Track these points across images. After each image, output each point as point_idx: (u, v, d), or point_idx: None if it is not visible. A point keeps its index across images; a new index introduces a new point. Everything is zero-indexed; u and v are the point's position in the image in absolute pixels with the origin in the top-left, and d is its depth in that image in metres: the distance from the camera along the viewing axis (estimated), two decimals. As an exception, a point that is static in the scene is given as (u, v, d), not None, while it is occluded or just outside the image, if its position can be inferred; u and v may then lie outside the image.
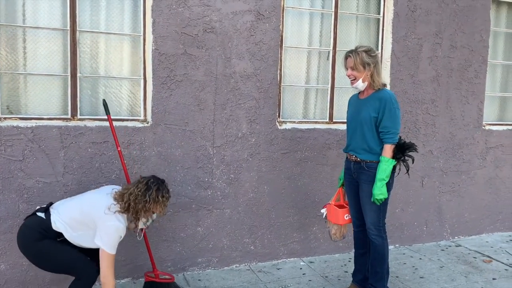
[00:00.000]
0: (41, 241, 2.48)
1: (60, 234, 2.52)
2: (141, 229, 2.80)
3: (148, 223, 2.77)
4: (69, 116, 3.34)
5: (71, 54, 3.31)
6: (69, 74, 3.33)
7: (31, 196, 3.18)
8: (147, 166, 3.46)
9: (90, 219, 2.51)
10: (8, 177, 3.13)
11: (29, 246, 2.50)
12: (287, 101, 4.06)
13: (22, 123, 3.15)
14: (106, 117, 3.40)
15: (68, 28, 3.29)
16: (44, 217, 2.52)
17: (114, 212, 2.51)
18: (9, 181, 3.13)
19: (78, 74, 3.35)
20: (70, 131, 3.24)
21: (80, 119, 3.34)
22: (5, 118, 3.15)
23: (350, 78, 3.03)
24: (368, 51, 2.96)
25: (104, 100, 3.12)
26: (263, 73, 3.76)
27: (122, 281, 3.48)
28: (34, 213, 2.58)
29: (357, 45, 3.05)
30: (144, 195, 2.53)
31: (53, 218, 2.51)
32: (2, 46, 3.18)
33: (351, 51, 2.99)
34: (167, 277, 3.17)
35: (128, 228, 2.60)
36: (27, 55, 3.26)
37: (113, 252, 2.50)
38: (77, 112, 3.35)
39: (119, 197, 2.56)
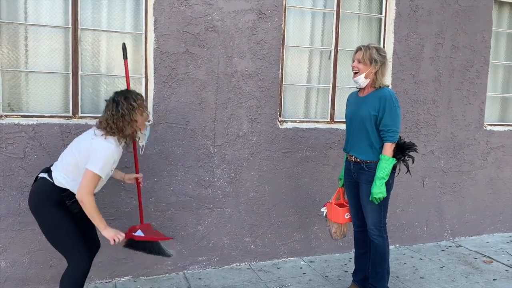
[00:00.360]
0: (49, 209, 2.47)
1: (64, 190, 2.50)
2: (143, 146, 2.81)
3: (146, 135, 2.76)
4: (70, 114, 3.34)
5: (72, 52, 3.31)
6: (70, 72, 3.33)
7: (32, 194, 3.18)
8: (147, 165, 3.46)
9: (83, 154, 2.48)
10: (9, 174, 3.13)
11: (38, 212, 2.50)
12: (288, 100, 4.05)
13: (23, 121, 3.15)
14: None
15: (70, 26, 3.28)
16: (48, 177, 2.51)
17: (101, 135, 2.51)
18: (10, 178, 3.13)
19: (80, 72, 3.35)
20: (71, 129, 3.24)
21: (81, 117, 3.34)
22: (6, 116, 3.15)
23: (353, 71, 3.04)
24: (379, 49, 3.00)
25: (124, 44, 3.04)
26: (265, 72, 3.76)
27: (122, 279, 3.48)
28: (37, 177, 2.58)
29: (370, 42, 3.09)
30: (118, 111, 2.51)
31: (54, 174, 2.51)
32: (4, 43, 3.18)
33: (362, 45, 3.03)
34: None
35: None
36: (28, 52, 3.26)
37: (98, 172, 2.44)
38: (78, 110, 3.35)
39: (100, 126, 2.55)
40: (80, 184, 2.44)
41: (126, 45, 3.04)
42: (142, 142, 2.77)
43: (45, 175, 2.53)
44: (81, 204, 2.45)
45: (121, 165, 3.33)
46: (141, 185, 3.06)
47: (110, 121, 2.51)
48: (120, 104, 2.53)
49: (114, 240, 2.52)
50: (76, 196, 2.46)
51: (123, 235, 2.56)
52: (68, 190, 2.51)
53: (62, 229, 2.49)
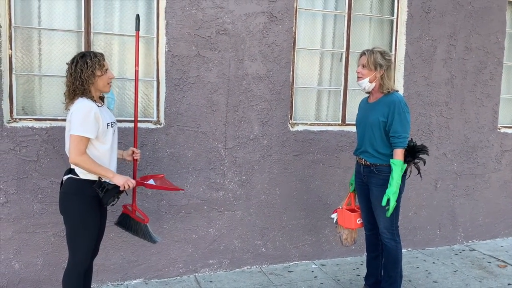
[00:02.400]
0: (84, 206, 2.46)
1: (93, 181, 2.48)
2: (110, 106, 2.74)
3: (113, 99, 2.69)
4: (83, 117, 3.36)
5: (85, 56, 3.33)
6: (83, 75, 3.35)
7: (45, 197, 3.21)
8: (159, 167, 3.47)
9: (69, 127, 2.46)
10: (23, 177, 3.16)
11: (71, 208, 2.48)
12: (299, 102, 4.04)
13: (37, 124, 3.18)
14: (118, 118, 3.42)
15: (83, 29, 3.31)
16: (72, 175, 2.48)
17: (72, 103, 2.47)
18: (24, 181, 3.17)
19: (92, 76, 3.37)
20: (84, 132, 3.26)
21: (93, 120, 3.36)
22: (20, 119, 3.19)
23: (358, 75, 3.03)
24: (383, 53, 2.97)
25: (137, 15, 2.96)
26: (276, 75, 3.76)
27: (134, 281, 3.50)
28: (62, 180, 2.56)
29: (375, 46, 3.06)
30: (76, 70, 2.45)
31: (77, 170, 2.48)
32: (18, 47, 3.22)
33: (367, 50, 3.01)
34: (142, 217, 2.96)
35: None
36: (42, 56, 3.29)
37: (81, 133, 2.37)
38: (91, 113, 3.37)
39: (66, 93, 2.50)
40: (70, 151, 2.40)
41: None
42: (107, 105, 2.68)
43: (69, 175, 2.50)
44: (78, 167, 2.43)
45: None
46: (136, 159, 2.92)
47: (71, 81, 2.46)
48: (78, 62, 2.46)
49: (124, 186, 2.50)
50: (69, 161, 2.43)
51: (134, 182, 2.54)
52: (95, 180, 2.48)
53: (87, 229, 2.48)
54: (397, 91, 3.03)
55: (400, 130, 2.89)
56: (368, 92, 3.11)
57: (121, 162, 3.25)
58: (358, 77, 3.03)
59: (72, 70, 2.46)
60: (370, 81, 2.98)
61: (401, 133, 2.89)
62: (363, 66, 2.99)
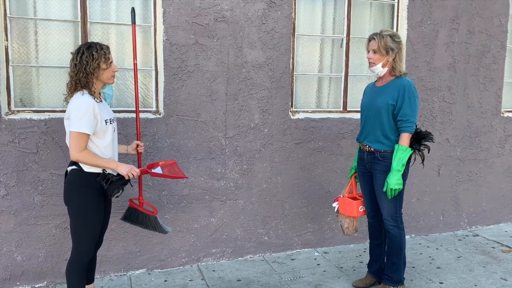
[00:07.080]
0: (87, 197, 2.44)
1: (98, 174, 2.46)
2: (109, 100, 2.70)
3: (110, 95, 2.67)
4: (81, 108, 3.33)
5: (82, 46, 3.29)
6: (80, 66, 3.31)
7: (45, 189, 3.20)
8: (160, 158, 3.45)
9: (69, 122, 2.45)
10: (22, 169, 3.15)
11: (74, 198, 2.46)
12: (300, 90, 4.00)
13: (35, 116, 3.16)
14: (117, 108, 3.40)
15: (79, 19, 3.27)
16: (76, 167, 2.46)
17: (71, 96, 2.45)
18: (24, 173, 3.15)
19: (90, 66, 3.33)
20: (82, 123, 3.23)
21: (92, 111, 3.33)
22: (18, 111, 3.17)
23: (369, 61, 2.96)
24: (393, 36, 2.90)
25: (132, 8, 2.94)
26: (275, 62, 3.71)
27: (137, 272, 3.50)
28: (66, 171, 2.54)
29: (382, 29, 2.99)
30: (81, 62, 2.43)
31: (81, 164, 2.46)
32: (14, 39, 3.18)
33: (375, 34, 2.92)
34: (150, 209, 2.99)
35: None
36: (39, 47, 3.26)
37: (81, 129, 2.35)
38: (89, 104, 3.34)
39: (68, 85, 2.47)
40: (69, 148, 2.39)
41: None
42: (105, 99, 2.67)
43: (73, 166, 2.48)
44: (80, 163, 2.42)
45: (128, 160, 3.34)
46: (141, 152, 2.92)
47: (74, 73, 2.43)
48: (83, 54, 2.43)
49: (128, 176, 2.49)
50: (71, 159, 2.42)
51: (138, 170, 2.53)
52: (100, 173, 2.47)
53: (91, 220, 2.48)
54: (407, 74, 2.98)
55: (409, 114, 2.85)
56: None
57: (124, 155, 3.24)
58: (370, 63, 2.96)
59: (77, 61, 2.43)
60: (383, 66, 2.93)
61: (410, 117, 2.85)
62: (374, 51, 2.91)
